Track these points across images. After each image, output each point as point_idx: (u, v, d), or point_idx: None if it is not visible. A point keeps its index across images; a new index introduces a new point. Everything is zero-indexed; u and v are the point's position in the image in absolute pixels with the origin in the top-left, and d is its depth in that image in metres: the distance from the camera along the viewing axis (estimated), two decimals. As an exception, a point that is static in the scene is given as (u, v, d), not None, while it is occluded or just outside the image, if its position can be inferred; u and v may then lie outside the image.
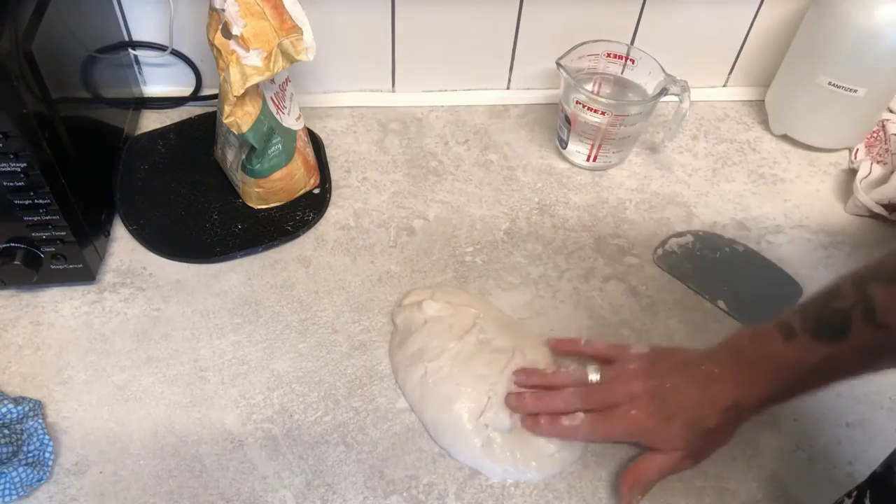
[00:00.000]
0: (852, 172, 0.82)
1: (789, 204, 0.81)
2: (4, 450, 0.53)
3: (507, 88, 0.91)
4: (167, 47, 0.82)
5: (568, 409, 0.58)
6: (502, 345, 0.62)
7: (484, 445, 0.57)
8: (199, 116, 0.83)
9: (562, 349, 0.64)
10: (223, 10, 0.61)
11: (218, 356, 0.63)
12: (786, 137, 0.87)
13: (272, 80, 0.67)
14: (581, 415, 0.57)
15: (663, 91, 0.76)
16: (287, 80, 0.71)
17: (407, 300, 0.66)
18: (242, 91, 0.62)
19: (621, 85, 0.82)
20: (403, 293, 0.68)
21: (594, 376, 0.59)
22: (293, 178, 0.73)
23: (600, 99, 0.76)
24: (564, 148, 0.82)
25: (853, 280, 0.50)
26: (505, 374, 0.60)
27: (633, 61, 0.80)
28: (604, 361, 0.61)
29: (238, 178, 0.72)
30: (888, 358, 0.49)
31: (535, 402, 0.59)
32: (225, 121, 0.64)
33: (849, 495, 0.47)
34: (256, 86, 0.64)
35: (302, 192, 0.76)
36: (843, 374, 0.52)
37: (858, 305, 0.48)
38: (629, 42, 0.86)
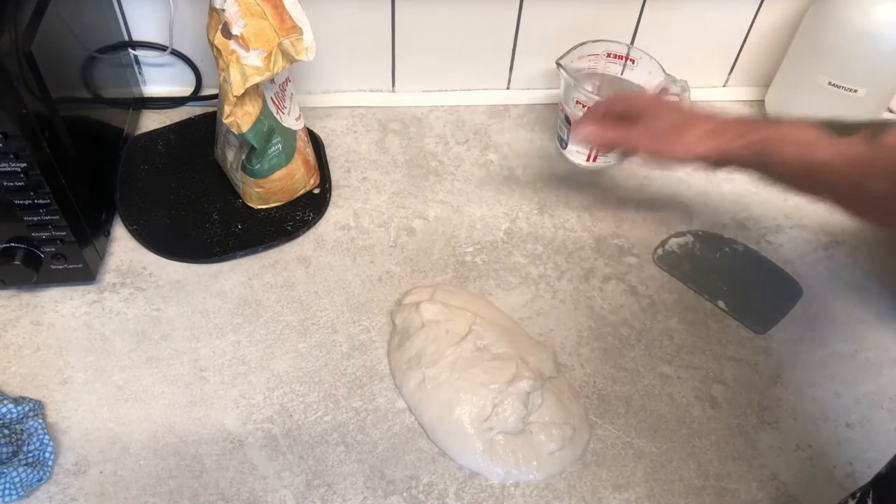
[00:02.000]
0: (852, 172, 0.82)
1: (789, 204, 0.80)
2: (4, 450, 0.53)
3: (507, 88, 0.91)
4: (167, 47, 0.82)
5: (606, 110, 0.68)
6: (501, 351, 0.61)
7: (485, 449, 0.57)
8: (199, 116, 0.83)
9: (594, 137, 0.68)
10: (223, 10, 0.61)
11: (218, 356, 0.63)
12: (786, 137, 0.87)
13: (272, 80, 0.67)
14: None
15: (663, 91, 0.76)
16: (287, 80, 0.71)
17: (407, 299, 0.66)
18: (242, 91, 0.62)
19: (621, 85, 0.82)
20: (404, 292, 0.68)
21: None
22: (293, 178, 0.73)
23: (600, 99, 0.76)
24: (564, 148, 0.82)
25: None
26: (513, 385, 0.59)
27: (633, 61, 0.80)
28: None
29: (238, 178, 0.72)
30: (868, 185, 0.52)
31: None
32: (225, 121, 0.64)
33: (853, 496, 0.46)
34: (256, 86, 0.64)
35: (302, 192, 0.76)
36: (822, 176, 0.54)
37: (871, 125, 0.53)
38: (629, 42, 0.86)
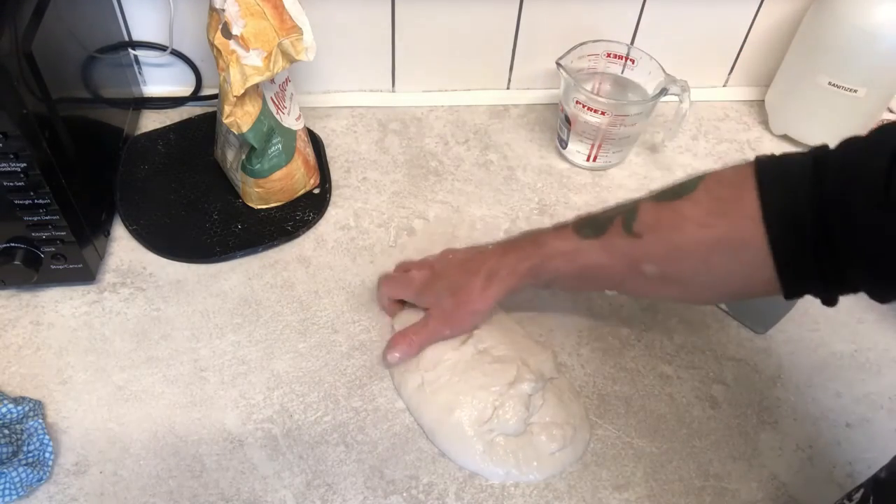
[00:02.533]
0: (852, 172, 0.82)
1: (789, 204, 0.80)
2: (4, 450, 0.53)
3: (507, 88, 0.91)
4: (167, 47, 0.82)
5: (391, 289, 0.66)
6: (502, 354, 0.61)
7: (485, 450, 0.57)
8: (199, 116, 0.83)
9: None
10: (223, 10, 0.61)
11: (218, 356, 0.63)
12: (786, 137, 0.87)
13: (272, 80, 0.67)
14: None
15: (663, 91, 0.76)
16: (287, 80, 0.71)
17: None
18: (242, 91, 0.62)
19: (621, 85, 0.82)
20: None
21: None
22: (293, 178, 0.73)
23: (600, 99, 0.76)
24: (564, 148, 0.82)
25: (646, 197, 0.55)
26: (514, 388, 0.59)
27: (633, 61, 0.80)
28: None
29: (238, 178, 0.72)
30: (640, 270, 0.53)
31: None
32: (225, 121, 0.64)
33: (849, 497, 0.46)
34: (256, 86, 0.64)
35: (302, 192, 0.76)
36: (593, 269, 0.56)
37: (623, 213, 0.54)
38: (629, 42, 0.86)
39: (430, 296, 0.62)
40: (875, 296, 0.46)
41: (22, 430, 0.55)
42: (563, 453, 0.58)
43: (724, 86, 0.94)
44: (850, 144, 0.46)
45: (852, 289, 0.47)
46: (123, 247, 0.71)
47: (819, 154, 0.47)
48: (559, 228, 0.58)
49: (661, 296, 0.59)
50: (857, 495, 0.45)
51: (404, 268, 0.67)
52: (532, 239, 0.59)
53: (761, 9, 0.85)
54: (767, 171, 0.48)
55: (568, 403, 0.60)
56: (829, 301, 0.48)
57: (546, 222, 0.76)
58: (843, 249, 0.45)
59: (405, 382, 0.61)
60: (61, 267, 0.63)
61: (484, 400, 0.58)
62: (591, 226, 0.56)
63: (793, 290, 0.49)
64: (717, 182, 0.51)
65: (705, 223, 0.50)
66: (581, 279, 0.58)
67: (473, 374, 0.59)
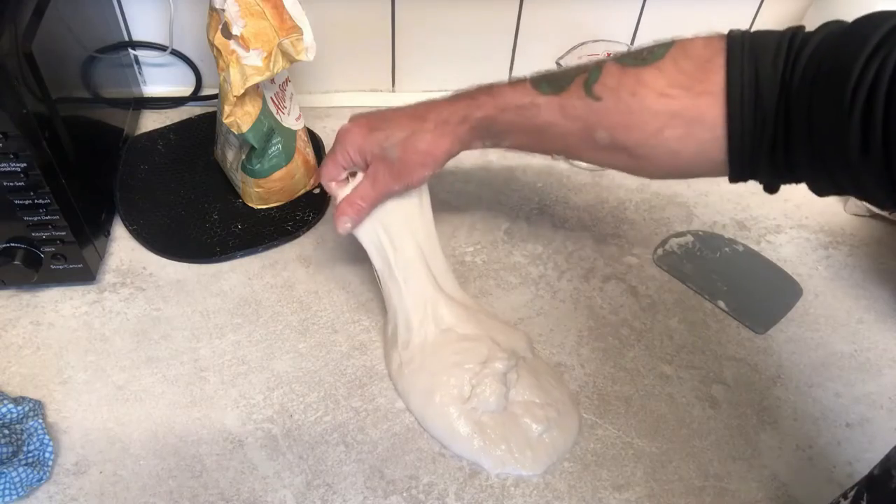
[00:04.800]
0: (852, 172, 0.82)
1: (789, 204, 0.81)
2: (4, 450, 0.53)
3: (507, 88, 0.91)
4: (167, 47, 0.82)
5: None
6: (468, 332, 0.62)
7: (473, 431, 0.57)
8: (199, 116, 0.83)
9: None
10: (223, 10, 0.61)
11: (218, 356, 0.63)
12: (786, 137, 0.87)
13: (272, 80, 0.67)
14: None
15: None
16: (287, 80, 0.71)
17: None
18: (242, 91, 0.62)
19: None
20: None
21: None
22: (293, 178, 0.73)
23: (600, 99, 0.76)
24: (564, 148, 0.82)
25: (603, 59, 0.53)
26: (488, 366, 0.59)
27: (633, 61, 0.80)
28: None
29: (238, 178, 0.72)
30: (593, 135, 0.52)
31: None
32: (225, 121, 0.64)
33: (844, 496, 0.46)
34: (256, 86, 0.64)
35: (302, 192, 0.76)
36: (547, 127, 0.54)
37: (585, 73, 0.52)
38: (629, 42, 0.86)
39: (373, 146, 0.57)
40: (815, 188, 0.47)
41: (22, 430, 0.55)
42: (551, 438, 0.58)
43: (724, 86, 0.94)
44: (828, 32, 0.45)
45: (796, 179, 0.48)
46: (123, 247, 0.71)
47: (794, 36, 0.46)
48: (515, 83, 0.55)
49: (608, 163, 0.56)
50: (852, 493, 0.45)
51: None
52: (486, 90, 0.56)
53: (761, 9, 0.85)
54: (737, 47, 0.47)
55: (547, 386, 0.61)
56: (771, 189, 0.49)
57: (546, 222, 0.76)
58: (798, 140, 0.45)
59: (390, 362, 0.62)
60: (61, 267, 0.63)
61: (460, 378, 0.59)
62: (551, 82, 0.54)
63: (739, 174, 0.49)
64: (685, 53, 0.50)
65: (666, 93, 0.49)
66: (532, 135, 0.56)
67: (444, 354, 0.60)
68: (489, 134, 0.57)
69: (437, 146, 0.57)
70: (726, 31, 0.49)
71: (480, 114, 0.56)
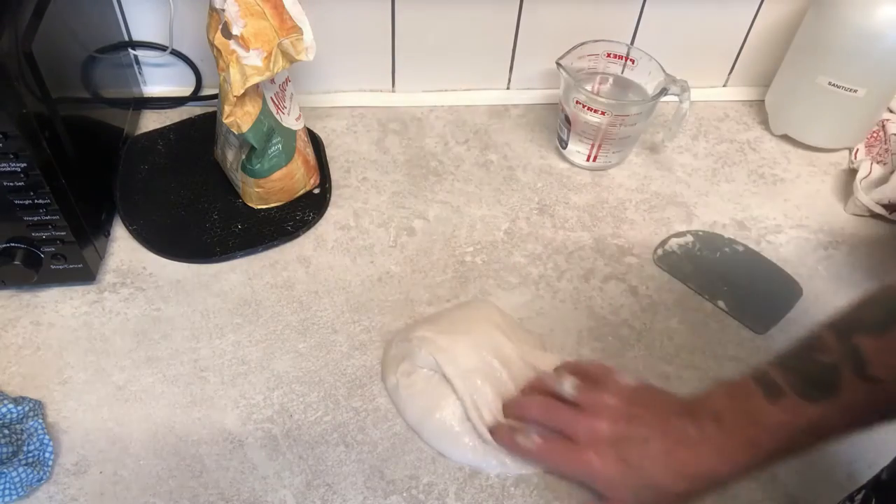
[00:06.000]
0: (852, 172, 0.82)
1: (789, 204, 0.81)
2: (4, 450, 0.53)
3: (507, 88, 0.91)
4: (167, 47, 0.82)
5: (525, 415, 0.55)
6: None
7: (475, 444, 0.57)
8: (199, 116, 0.83)
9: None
10: (223, 10, 0.61)
11: (218, 356, 0.63)
12: (786, 137, 0.87)
13: (272, 80, 0.67)
14: (536, 438, 0.54)
15: (663, 91, 0.76)
16: (287, 80, 0.71)
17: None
18: (242, 91, 0.62)
19: (621, 85, 0.82)
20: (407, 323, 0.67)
21: (567, 388, 0.55)
22: (293, 178, 0.73)
23: (600, 99, 0.76)
24: (564, 148, 0.82)
25: (835, 331, 0.47)
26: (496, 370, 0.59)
27: (633, 61, 0.80)
28: (585, 379, 0.57)
29: (238, 178, 0.72)
30: (880, 414, 0.46)
31: (512, 402, 0.57)
32: (225, 121, 0.64)
33: (851, 499, 0.46)
34: (256, 86, 0.64)
35: (302, 192, 0.76)
36: (833, 435, 0.47)
37: (847, 359, 0.45)
38: (629, 42, 0.86)
39: (624, 493, 0.52)
40: None
41: (22, 430, 0.55)
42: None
43: (724, 86, 0.94)
44: None
45: None
46: (123, 247, 0.71)
47: None
48: (773, 393, 0.47)
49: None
50: (859, 497, 0.45)
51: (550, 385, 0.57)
52: (744, 411, 0.48)
53: (761, 9, 0.85)
54: None
55: None
56: None
57: (546, 222, 0.76)
58: None
59: (387, 379, 0.61)
60: (61, 267, 0.63)
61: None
62: (818, 384, 0.46)
63: None
64: None
65: None
66: (810, 446, 0.48)
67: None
68: (754, 471, 0.50)
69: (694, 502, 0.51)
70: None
71: (743, 464, 0.49)
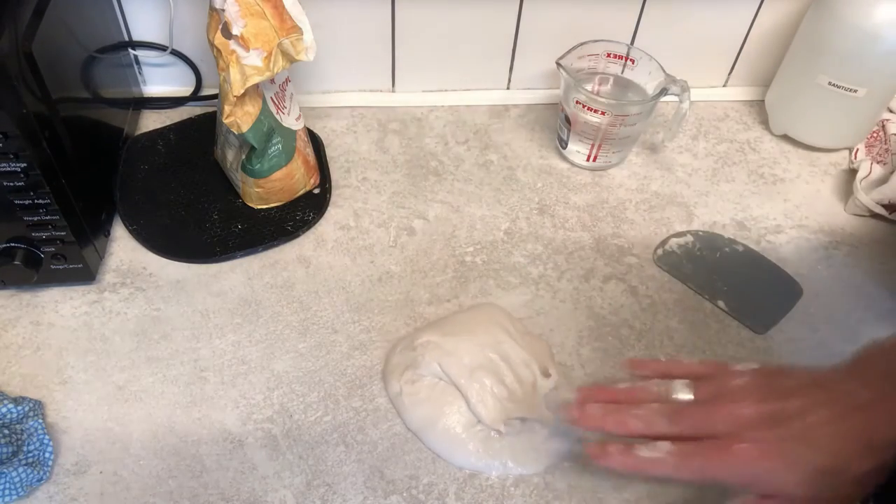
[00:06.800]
0: (852, 172, 0.82)
1: (789, 204, 0.81)
2: (4, 450, 0.53)
3: (507, 88, 0.91)
4: (167, 47, 0.82)
5: (648, 431, 0.45)
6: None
7: (478, 449, 0.57)
8: (199, 116, 0.83)
9: (643, 370, 0.51)
10: (223, 10, 0.61)
11: (218, 356, 0.63)
12: (786, 137, 0.87)
13: (272, 80, 0.67)
14: (666, 444, 0.43)
15: (663, 91, 0.76)
16: (287, 80, 0.71)
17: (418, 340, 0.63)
18: (242, 91, 0.62)
19: (621, 85, 0.82)
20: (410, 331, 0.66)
21: (684, 395, 0.46)
22: (293, 178, 0.73)
23: (600, 99, 0.76)
24: (564, 148, 0.82)
25: None
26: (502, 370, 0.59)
27: (633, 61, 0.80)
28: (696, 379, 0.47)
29: (238, 178, 0.72)
30: None
31: (604, 418, 0.46)
32: (225, 121, 0.64)
33: None
34: (256, 86, 0.64)
35: (302, 192, 0.76)
36: None
37: None
38: (629, 42, 0.86)
39: (797, 481, 0.41)
40: None
41: (22, 430, 0.55)
42: (556, 440, 0.58)
43: (724, 86, 0.94)
44: None
45: None
46: (123, 247, 0.71)
47: None
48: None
49: None
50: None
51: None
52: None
53: (761, 9, 0.85)
54: None
55: (560, 391, 0.61)
56: None
57: (546, 222, 0.76)
58: None
59: (389, 385, 0.61)
60: (61, 267, 0.63)
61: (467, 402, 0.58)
62: None
63: None
64: None
65: None
66: None
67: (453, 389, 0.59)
68: None
69: (874, 482, 0.42)
70: None
71: None
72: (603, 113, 0.76)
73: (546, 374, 0.61)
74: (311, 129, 0.82)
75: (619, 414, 0.46)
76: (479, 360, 0.59)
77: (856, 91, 0.78)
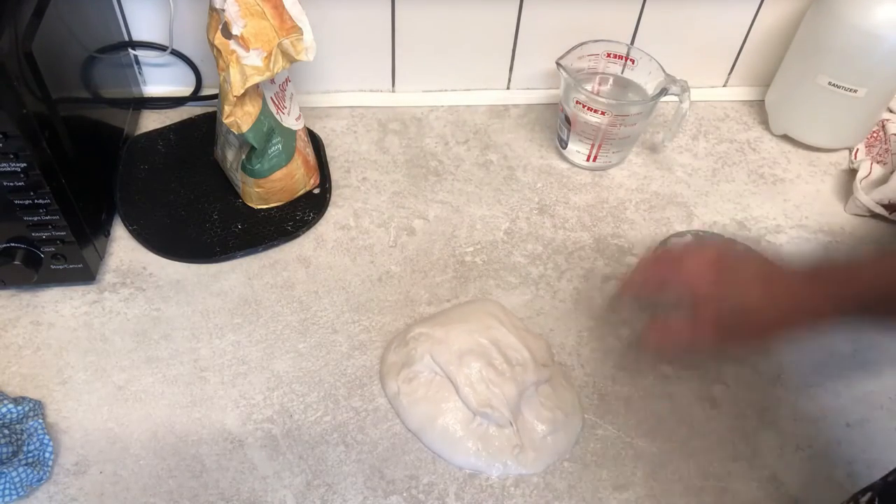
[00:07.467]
0: (852, 172, 0.82)
1: (789, 204, 0.81)
2: (4, 450, 0.53)
3: (507, 88, 0.91)
4: (167, 47, 0.82)
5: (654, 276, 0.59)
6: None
7: (478, 446, 0.57)
8: (199, 116, 0.83)
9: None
10: (223, 10, 0.61)
11: (218, 356, 0.63)
12: (786, 137, 0.87)
13: (272, 80, 0.67)
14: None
15: (663, 91, 0.76)
16: (287, 80, 0.71)
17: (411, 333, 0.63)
18: (242, 91, 0.62)
19: (621, 85, 0.82)
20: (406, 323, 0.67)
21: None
22: (293, 178, 0.73)
23: (600, 99, 0.76)
24: (564, 148, 0.82)
25: None
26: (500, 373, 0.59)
27: (633, 61, 0.80)
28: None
29: (238, 178, 0.72)
30: None
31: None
32: (225, 121, 0.64)
33: (856, 500, 0.46)
34: (256, 86, 0.64)
35: (302, 192, 0.76)
36: None
37: None
38: (629, 42, 0.86)
39: (712, 296, 0.52)
40: None
41: (22, 430, 0.55)
42: (555, 439, 0.58)
43: (724, 86, 0.94)
44: None
45: None
46: (123, 247, 0.71)
47: None
48: (882, 255, 0.48)
49: None
50: (864, 499, 0.45)
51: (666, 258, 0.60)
52: (845, 264, 0.50)
53: (761, 9, 0.85)
54: None
55: (560, 389, 0.61)
56: None
57: (546, 222, 0.76)
58: None
59: (387, 385, 0.61)
60: (61, 267, 0.63)
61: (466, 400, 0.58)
62: None
63: None
64: None
65: None
66: None
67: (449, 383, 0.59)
68: (848, 308, 0.49)
69: (773, 334, 0.53)
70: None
71: (852, 291, 0.48)
72: (603, 113, 0.76)
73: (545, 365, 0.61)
74: (311, 129, 0.82)
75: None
76: (468, 345, 0.59)
77: (856, 91, 0.78)
